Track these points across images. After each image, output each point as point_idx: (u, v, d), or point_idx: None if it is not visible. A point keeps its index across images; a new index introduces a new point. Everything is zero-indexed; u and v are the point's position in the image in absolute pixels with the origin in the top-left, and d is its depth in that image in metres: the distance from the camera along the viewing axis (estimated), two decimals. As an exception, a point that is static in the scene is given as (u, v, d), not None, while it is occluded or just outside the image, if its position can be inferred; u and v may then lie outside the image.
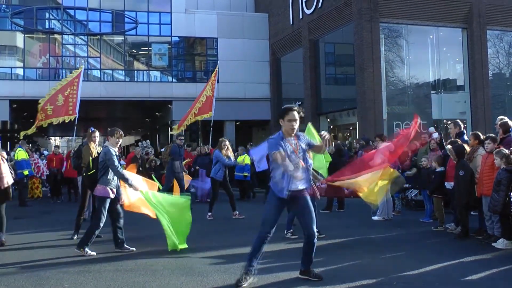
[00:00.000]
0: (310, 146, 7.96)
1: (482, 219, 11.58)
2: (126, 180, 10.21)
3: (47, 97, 21.93)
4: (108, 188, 10.23)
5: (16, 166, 21.24)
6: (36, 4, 37.76)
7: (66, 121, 21.93)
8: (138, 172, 20.84)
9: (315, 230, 7.79)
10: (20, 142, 22.86)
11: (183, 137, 19.25)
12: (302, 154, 7.73)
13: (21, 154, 20.81)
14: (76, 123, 22.12)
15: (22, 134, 22.36)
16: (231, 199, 16.08)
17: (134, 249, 10.34)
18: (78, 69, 23.47)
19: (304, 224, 7.78)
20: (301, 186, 7.73)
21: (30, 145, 24.32)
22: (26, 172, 20.65)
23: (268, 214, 7.92)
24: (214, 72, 25.84)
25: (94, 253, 10.02)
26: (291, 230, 11.78)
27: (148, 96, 38.92)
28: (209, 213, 15.68)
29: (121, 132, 10.69)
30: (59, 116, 21.85)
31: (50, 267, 9.07)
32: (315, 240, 7.71)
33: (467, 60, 31.57)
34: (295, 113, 7.61)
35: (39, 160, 23.58)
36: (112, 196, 10.30)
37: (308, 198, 7.81)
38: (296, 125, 7.64)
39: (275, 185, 7.78)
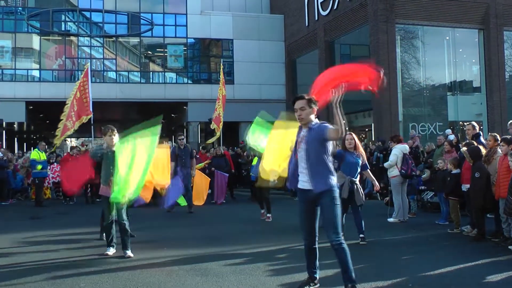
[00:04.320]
0: (324, 134, 6.99)
1: (498, 222, 11.51)
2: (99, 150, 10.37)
3: (68, 105, 22.06)
4: (102, 186, 10.26)
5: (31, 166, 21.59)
6: (52, 7, 37.97)
7: (85, 122, 22.09)
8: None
9: (335, 236, 6.99)
10: (38, 143, 23.04)
11: (183, 137, 19.11)
12: (305, 148, 7.14)
13: (32, 154, 21.14)
14: (92, 123, 22.21)
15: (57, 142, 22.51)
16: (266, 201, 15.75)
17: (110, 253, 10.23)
18: (84, 69, 23.64)
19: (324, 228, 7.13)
20: (308, 185, 7.14)
21: (46, 146, 24.45)
22: (39, 167, 20.89)
23: (298, 218, 7.51)
24: (222, 73, 26.05)
25: (110, 253, 10.09)
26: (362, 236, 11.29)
27: (163, 97, 39.04)
28: (268, 214, 15.45)
29: (112, 128, 10.37)
30: (81, 116, 22.05)
31: (66, 267, 9.11)
32: (340, 246, 6.95)
33: (483, 61, 31.42)
34: (298, 102, 7.25)
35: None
36: (103, 193, 10.22)
37: (329, 200, 7.06)
38: (303, 113, 7.16)
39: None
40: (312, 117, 7.21)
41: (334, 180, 7.19)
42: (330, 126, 6.92)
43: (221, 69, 27.28)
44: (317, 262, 7.49)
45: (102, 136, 10.37)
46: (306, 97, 7.23)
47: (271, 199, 15.69)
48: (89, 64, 25.58)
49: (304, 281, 7.57)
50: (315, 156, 7.08)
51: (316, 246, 7.38)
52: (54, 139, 22.56)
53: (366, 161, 11.56)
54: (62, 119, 21.49)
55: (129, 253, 9.88)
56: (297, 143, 7.31)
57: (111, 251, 10.12)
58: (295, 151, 7.35)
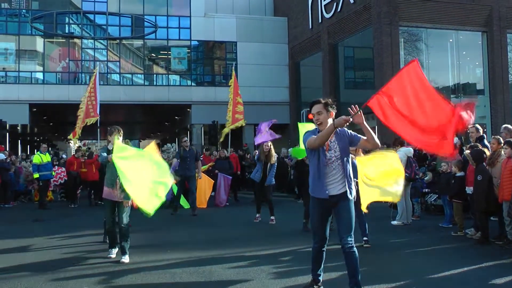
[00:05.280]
0: (354, 142, 7.18)
1: (502, 224, 11.50)
2: (106, 158, 9.98)
3: (83, 107, 22.31)
4: (106, 188, 10.09)
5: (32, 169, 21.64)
6: (56, 9, 37.96)
7: (89, 124, 22.19)
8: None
9: (350, 239, 7.06)
10: (41, 146, 23.07)
11: (186, 139, 19.08)
12: (337, 152, 7.11)
13: (35, 158, 21.18)
14: (98, 126, 22.25)
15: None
16: (270, 203, 15.64)
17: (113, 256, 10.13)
18: (93, 72, 23.75)
19: (338, 231, 7.19)
20: (340, 189, 7.12)
21: (50, 148, 24.51)
22: (36, 175, 20.88)
23: (312, 221, 7.54)
24: (234, 76, 26.16)
25: (113, 256, 10.04)
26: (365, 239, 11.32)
27: (167, 100, 38.96)
28: (272, 217, 15.40)
29: (119, 128, 10.20)
30: (87, 118, 22.22)
31: (69, 269, 9.13)
32: (351, 249, 7.01)
33: (487, 64, 31.37)
34: (314, 106, 7.20)
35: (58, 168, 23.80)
36: (107, 196, 10.08)
37: (348, 203, 7.14)
38: (321, 118, 7.13)
39: (311, 187, 7.31)
40: (330, 120, 7.15)
41: None
42: (362, 136, 7.08)
43: (233, 72, 27.39)
44: (322, 265, 7.50)
45: (108, 136, 10.21)
46: (323, 101, 7.21)
47: (274, 202, 15.70)
48: (98, 68, 25.70)
49: (308, 283, 7.58)
50: (347, 161, 7.17)
51: (325, 249, 7.42)
52: (72, 140, 22.77)
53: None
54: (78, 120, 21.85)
55: (124, 259, 9.76)
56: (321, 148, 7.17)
57: (114, 254, 10.10)
58: (316, 156, 7.19)
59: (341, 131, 7.19)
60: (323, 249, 7.39)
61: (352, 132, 7.25)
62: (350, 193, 7.12)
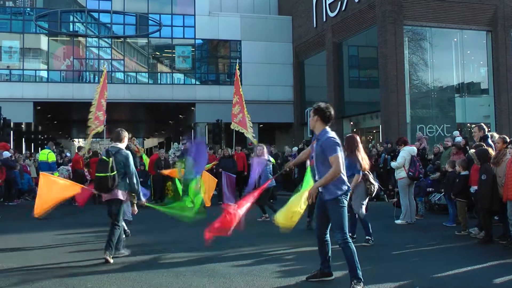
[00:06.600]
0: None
1: (506, 224, 11.47)
2: (138, 192, 10.04)
3: (95, 103, 22.00)
4: (125, 193, 10.02)
5: (39, 167, 21.59)
6: (60, 7, 37.98)
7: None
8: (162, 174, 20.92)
9: (340, 236, 7.48)
10: (48, 144, 23.02)
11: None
12: (314, 154, 7.70)
13: (50, 156, 21.13)
14: (105, 124, 22.25)
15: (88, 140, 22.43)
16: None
17: (127, 253, 10.16)
18: (103, 71, 23.67)
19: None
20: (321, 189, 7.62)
21: (55, 147, 24.44)
22: (56, 174, 20.84)
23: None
24: (237, 75, 25.93)
25: (127, 252, 10.09)
26: (368, 238, 11.33)
27: (171, 98, 38.96)
28: (263, 215, 15.55)
29: (124, 132, 10.35)
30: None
31: (73, 268, 9.13)
32: (340, 246, 7.48)
33: (491, 63, 31.30)
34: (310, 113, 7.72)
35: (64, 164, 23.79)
36: (122, 197, 10.02)
37: (327, 203, 7.53)
38: (310, 122, 7.68)
39: None
40: (318, 125, 7.58)
41: (342, 189, 7.48)
42: (333, 153, 7.30)
43: (236, 70, 27.22)
44: (328, 257, 7.88)
45: (117, 142, 10.18)
46: (314, 106, 7.64)
47: (278, 200, 15.75)
48: (106, 67, 25.67)
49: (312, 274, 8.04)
50: (323, 169, 7.49)
51: (327, 239, 7.82)
52: (93, 130, 22.33)
53: (361, 167, 10.92)
54: (90, 118, 21.56)
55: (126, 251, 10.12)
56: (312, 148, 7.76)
57: (126, 252, 10.14)
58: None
59: (323, 139, 7.47)
60: (324, 238, 7.82)
61: (328, 141, 7.43)
62: (324, 194, 7.55)
